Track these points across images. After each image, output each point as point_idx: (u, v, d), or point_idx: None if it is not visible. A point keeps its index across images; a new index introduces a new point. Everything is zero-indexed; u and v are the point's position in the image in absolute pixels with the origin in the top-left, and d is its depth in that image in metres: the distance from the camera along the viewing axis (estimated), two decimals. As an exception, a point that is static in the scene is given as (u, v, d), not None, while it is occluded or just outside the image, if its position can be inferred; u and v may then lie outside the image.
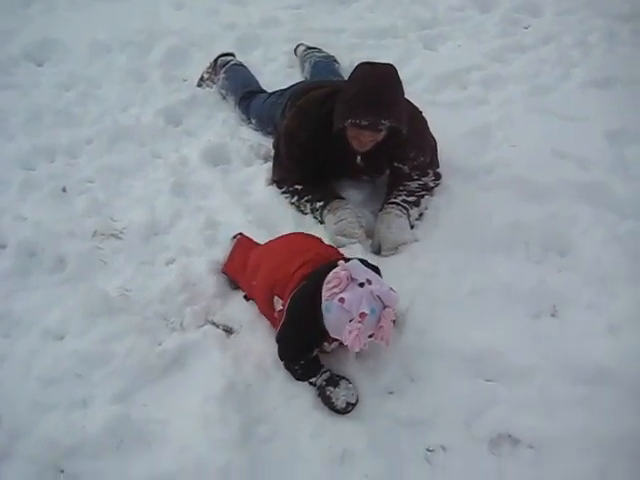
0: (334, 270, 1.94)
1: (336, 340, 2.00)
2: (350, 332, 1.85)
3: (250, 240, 2.43)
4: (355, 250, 2.45)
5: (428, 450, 1.92)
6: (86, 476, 1.82)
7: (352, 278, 1.91)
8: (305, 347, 2.06)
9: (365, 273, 1.94)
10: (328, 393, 2.01)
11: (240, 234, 2.45)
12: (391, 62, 2.52)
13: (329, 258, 2.10)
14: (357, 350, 1.90)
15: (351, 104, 2.41)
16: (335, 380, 2.04)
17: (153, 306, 2.30)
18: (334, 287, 1.90)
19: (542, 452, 1.91)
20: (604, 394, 2.02)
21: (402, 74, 2.55)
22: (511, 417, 1.98)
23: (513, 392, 2.04)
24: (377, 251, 2.53)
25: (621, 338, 2.20)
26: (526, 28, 4.14)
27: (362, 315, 1.84)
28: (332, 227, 2.55)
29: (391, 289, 1.92)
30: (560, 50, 3.80)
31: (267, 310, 2.20)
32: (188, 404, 1.98)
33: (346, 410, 1.99)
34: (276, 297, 2.13)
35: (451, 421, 1.98)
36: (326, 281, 1.94)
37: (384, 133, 2.47)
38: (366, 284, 1.89)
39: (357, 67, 2.48)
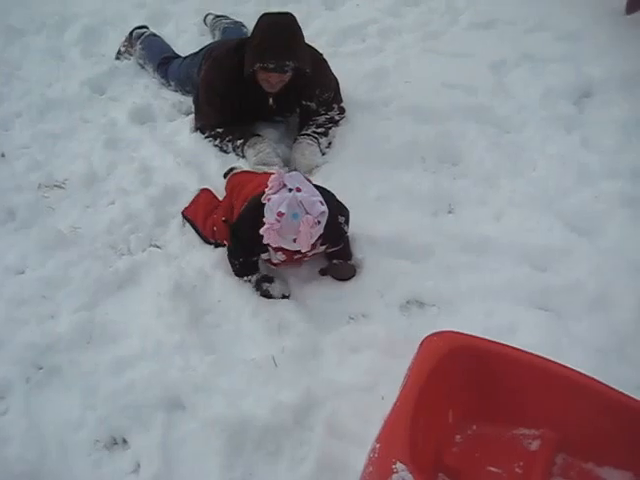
0: (271, 176, 2.32)
1: (279, 250, 2.39)
2: (265, 227, 2.24)
3: (212, 193, 2.87)
4: (275, 176, 2.96)
5: (350, 317, 2.45)
6: (64, 367, 2.26)
7: (284, 184, 2.28)
8: (248, 246, 2.45)
9: (299, 182, 2.29)
10: (265, 287, 2.47)
11: (205, 189, 2.89)
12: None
13: None
14: (273, 245, 2.31)
15: (258, 50, 2.92)
16: (269, 277, 2.50)
17: (102, 238, 2.74)
18: (269, 190, 2.28)
19: (442, 308, 2.46)
20: (491, 258, 2.60)
21: (306, 32, 3.09)
22: (416, 285, 2.53)
23: (417, 266, 2.59)
24: (295, 175, 3.05)
25: (504, 222, 2.78)
26: (417, -15, 4.73)
27: (279, 214, 2.21)
28: (252, 159, 3.05)
29: (321, 202, 2.27)
30: (448, 1, 4.41)
31: None
32: (143, 305, 2.46)
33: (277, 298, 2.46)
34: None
35: (368, 294, 2.51)
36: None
37: (290, 74, 2.99)
38: (294, 191, 2.24)
39: (260, 17, 2.99)
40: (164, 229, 2.80)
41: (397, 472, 1.54)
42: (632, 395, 1.82)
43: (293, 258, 2.45)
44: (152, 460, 1.99)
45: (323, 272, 2.60)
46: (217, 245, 2.67)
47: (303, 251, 2.34)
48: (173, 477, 1.96)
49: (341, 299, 2.50)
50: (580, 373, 1.86)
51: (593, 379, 1.85)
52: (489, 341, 1.88)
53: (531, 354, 1.88)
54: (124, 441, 2.07)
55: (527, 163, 3.04)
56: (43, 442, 2.04)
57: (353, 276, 2.57)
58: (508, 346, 1.88)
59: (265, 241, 2.30)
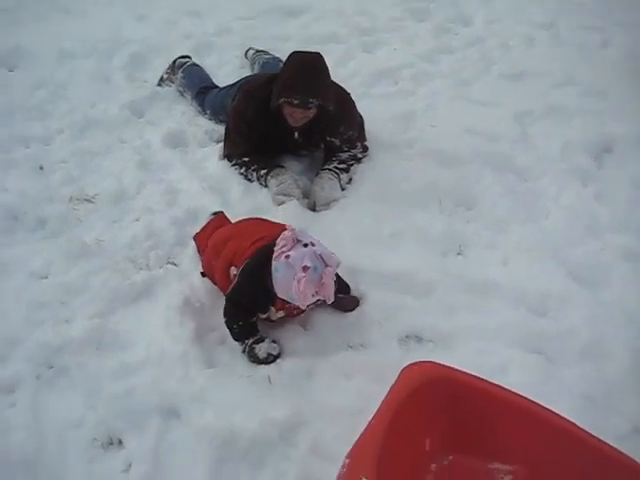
0: (282, 234, 2.36)
1: (281, 309, 2.48)
2: (298, 282, 2.24)
3: (225, 219, 2.97)
4: (294, 206, 3.12)
5: (349, 346, 2.57)
6: (73, 368, 2.42)
7: (297, 240, 2.33)
8: (250, 308, 2.48)
9: (309, 237, 2.35)
10: (253, 347, 2.45)
11: (220, 213, 3.01)
12: (332, 63, 3.23)
13: None
14: (305, 305, 2.36)
15: (284, 85, 3.11)
16: (262, 338, 2.48)
17: (123, 252, 2.93)
18: (282, 247, 2.32)
19: (439, 344, 2.57)
20: (491, 300, 2.70)
21: (341, 73, 3.31)
22: (415, 321, 2.64)
23: (419, 302, 2.70)
24: (312, 207, 3.21)
25: (510, 266, 2.89)
26: (456, 35, 4.92)
27: (305, 268, 2.24)
28: (274, 189, 3.22)
29: (333, 253, 2.34)
30: (483, 51, 4.59)
31: (224, 282, 2.60)
32: (153, 317, 2.61)
33: (267, 360, 2.43)
34: (233, 267, 2.56)
35: (369, 325, 2.62)
36: (276, 244, 2.35)
37: (314, 111, 3.17)
38: (309, 245, 2.30)
39: (290, 55, 3.19)
40: (182, 248, 2.97)
41: (362, 487, 1.64)
42: (610, 443, 1.89)
43: (293, 313, 2.54)
44: (143, 461, 2.12)
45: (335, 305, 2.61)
46: (204, 275, 2.79)
47: (329, 302, 2.40)
48: (161, 479, 2.08)
49: (342, 328, 2.61)
50: (558, 415, 1.94)
51: (570, 422, 1.93)
52: (469, 375, 1.98)
53: (511, 392, 1.97)
54: (120, 442, 2.21)
55: (540, 211, 3.15)
56: (44, 435, 2.19)
57: (357, 307, 2.67)
58: (488, 382, 1.98)
59: (290, 297, 2.33)
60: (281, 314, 2.53)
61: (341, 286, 2.61)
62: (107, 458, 2.16)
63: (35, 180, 3.36)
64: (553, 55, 4.54)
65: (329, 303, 2.42)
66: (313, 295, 2.30)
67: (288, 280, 2.29)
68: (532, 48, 4.66)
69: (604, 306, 2.62)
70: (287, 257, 2.29)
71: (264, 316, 2.55)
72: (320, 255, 2.29)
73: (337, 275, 2.49)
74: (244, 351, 2.48)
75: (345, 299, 2.66)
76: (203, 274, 2.80)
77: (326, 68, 3.16)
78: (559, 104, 3.86)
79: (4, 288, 2.75)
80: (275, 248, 2.35)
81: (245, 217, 2.94)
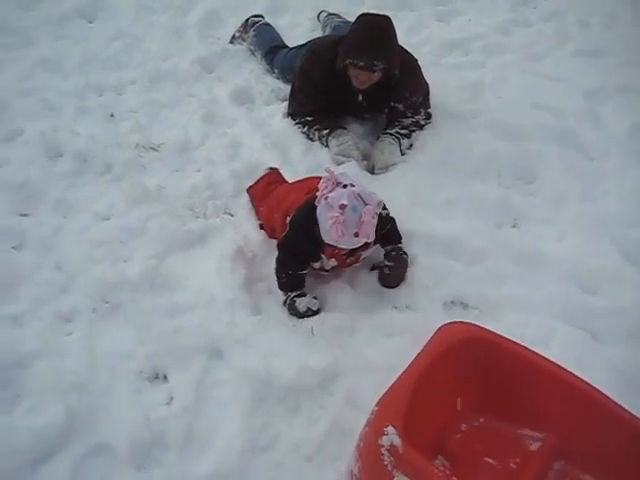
0: (323, 178, 2.40)
1: (332, 256, 2.48)
2: (330, 219, 2.28)
3: (280, 175, 3.05)
4: (352, 167, 3.16)
5: (394, 306, 2.61)
6: (126, 305, 2.54)
7: (337, 182, 2.36)
8: (301, 257, 2.51)
9: (349, 179, 2.37)
10: (294, 300, 2.51)
11: (275, 169, 3.08)
12: (404, 30, 3.22)
13: None
14: (349, 246, 2.35)
15: (350, 47, 3.13)
16: (304, 293, 2.54)
17: (182, 199, 3.03)
18: (322, 190, 2.35)
19: (484, 311, 2.58)
20: (541, 273, 2.69)
21: (412, 41, 3.31)
22: (463, 287, 2.66)
23: (468, 269, 2.72)
24: (371, 170, 3.24)
25: (564, 242, 2.87)
26: (535, 8, 4.82)
27: (341, 206, 2.26)
28: (334, 149, 3.26)
29: (374, 193, 2.36)
30: (560, 26, 4.49)
31: (281, 231, 2.64)
32: (205, 263, 2.71)
33: (305, 314, 2.49)
34: (288, 217, 2.61)
35: (416, 288, 2.65)
36: (318, 189, 2.39)
37: (379, 74, 3.17)
38: (349, 186, 2.33)
39: (358, 17, 3.20)
40: (240, 200, 3.05)
41: (387, 434, 1.70)
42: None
43: (345, 262, 2.54)
44: (185, 397, 2.22)
45: (373, 268, 2.69)
46: (262, 227, 2.87)
47: (369, 240, 2.38)
48: (199, 414, 2.18)
49: (388, 290, 2.65)
50: (593, 387, 1.94)
51: (605, 395, 1.93)
52: (506, 339, 1.99)
53: (546, 359, 1.98)
54: (164, 377, 2.32)
55: (600, 191, 3.10)
56: (96, 363, 2.32)
57: (399, 283, 2.64)
58: (525, 347, 1.99)
59: (331, 238, 2.34)
60: (333, 262, 2.53)
61: (392, 236, 2.66)
62: (152, 390, 2.27)
63: (105, 127, 3.48)
64: (634, 34, 4.40)
65: (368, 249, 2.45)
66: (355, 235, 2.31)
67: (328, 221, 2.32)
68: (612, 25, 4.53)
69: (656, 289, 2.58)
70: (326, 198, 2.33)
71: (317, 265, 2.58)
72: (359, 194, 2.30)
73: (388, 220, 2.58)
74: (285, 303, 2.55)
75: (390, 275, 2.64)
76: (261, 226, 2.87)
77: (394, 32, 3.16)
78: (632, 84, 3.76)
79: (69, 226, 2.89)
80: (317, 193, 2.39)
81: (307, 176, 3.00)
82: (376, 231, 2.41)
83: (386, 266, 2.63)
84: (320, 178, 2.76)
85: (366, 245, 2.43)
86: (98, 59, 4.07)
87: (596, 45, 4.21)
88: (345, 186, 2.34)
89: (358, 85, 3.24)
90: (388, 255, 2.65)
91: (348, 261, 2.54)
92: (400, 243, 2.69)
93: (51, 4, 4.57)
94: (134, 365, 2.33)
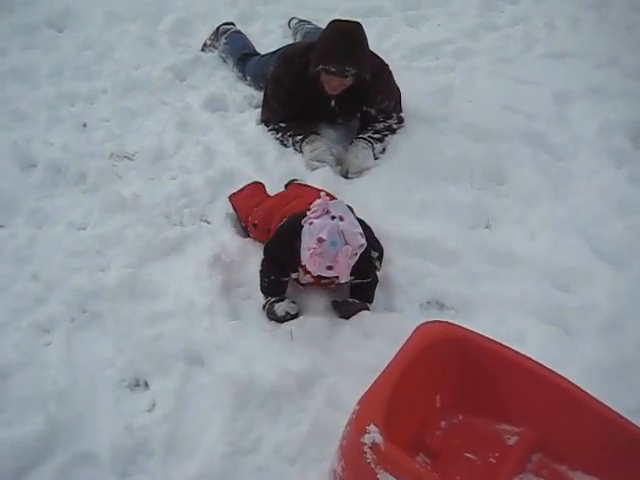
0: (316, 201, 2.40)
1: (308, 273, 2.46)
2: (308, 250, 2.30)
3: (262, 187, 3.06)
4: (326, 172, 3.20)
5: (372, 309, 2.64)
6: (105, 313, 2.55)
7: (327, 210, 2.34)
8: (280, 265, 2.55)
9: (342, 211, 2.34)
10: (273, 305, 2.54)
11: (260, 183, 3.08)
12: (375, 36, 3.28)
13: None
14: (313, 271, 2.38)
15: (321, 53, 3.17)
16: (283, 298, 2.56)
17: (159, 207, 3.04)
18: (312, 212, 2.35)
19: (460, 311, 2.63)
20: (515, 272, 2.75)
21: (383, 46, 3.37)
22: (439, 288, 2.71)
23: (443, 270, 2.77)
24: (345, 174, 3.29)
25: (536, 241, 2.93)
26: (502, 12, 4.92)
27: (319, 240, 2.26)
28: (308, 155, 3.30)
29: (360, 234, 2.33)
30: (527, 30, 4.59)
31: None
32: (183, 270, 2.73)
33: (284, 318, 2.51)
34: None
35: (393, 289, 2.70)
36: (310, 208, 2.40)
37: (350, 79, 3.21)
38: (337, 219, 2.30)
39: (330, 22, 3.25)
40: (215, 207, 3.07)
41: (369, 433, 1.73)
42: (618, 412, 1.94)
43: (320, 282, 2.54)
44: (166, 403, 2.24)
45: (334, 304, 2.64)
46: (249, 236, 2.89)
47: (342, 281, 2.44)
48: (182, 420, 2.20)
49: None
50: (567, 380, 2.00)
51: (579, 388, 1.98)
52: (483, 336, 2.04)
53: (522, 355, 2.03)
54: (145, 384, 2.33)
55: (570, 190, 3.17)
56: (76, 373, 2.32)
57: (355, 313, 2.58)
58: (501, 344, 2.04)
59: (308, 267, 2.38)
60: (309, 279, 2.55)
61: (365, 289, 2.63)
62: (133, 398, 2.28)
63: (78, 136, 3.49)
64: (599, 36, 4.51)
65: (342, 282, 2.46)
66: (329, 268, 2.33)
67: (305, 249, 2.34)
68: (578, 28, 4.64)
69: (627, 284, 2.64)
70: (310, 224, 2.34)
71: (295, 276, 2.60)
72: (342, 231, 2.28)
73: (372, 273, 2.57)
74: (264, 307, 2.58)
75: (350, 305, 2.61)
76: (246, 229, 2.90)
77: (365, 37, 3.21)
78: (600, 85, 3.85)
79: (45, 236, 2.89)
80: (308, 212, 2.40)
81: (285, 181, 3.11)
82: (355, 269, 2.43)
83: (347, 301, 2.62)
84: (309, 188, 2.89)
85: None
86: (69, 68, 4.09)
87: (563, 47, 4.31)
88: (333, 217, 2.32)
89: (330, 90, 3.28)
90: (354, 292, 2.64)
91: (322, 282, 2.55)
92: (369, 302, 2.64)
93: (20, 14, 4.59)
94: (114, 373, 2.34)
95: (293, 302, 2.58)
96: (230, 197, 3.04)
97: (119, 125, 3.60)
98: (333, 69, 3.12)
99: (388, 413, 1.77)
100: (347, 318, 2.56)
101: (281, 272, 2.58)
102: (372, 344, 2.46)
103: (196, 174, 3.23)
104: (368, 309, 2.59)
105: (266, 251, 2.62)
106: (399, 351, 1.96)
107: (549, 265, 2.76)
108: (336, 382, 2.29)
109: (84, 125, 3.59)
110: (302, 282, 2.61)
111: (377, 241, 2.62)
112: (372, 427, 1.73)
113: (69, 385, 2.27)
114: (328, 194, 2.55)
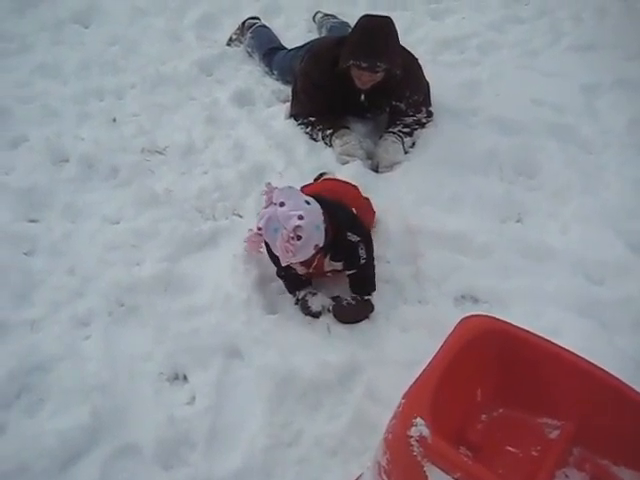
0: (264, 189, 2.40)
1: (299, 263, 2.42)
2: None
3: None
4: (357, 166, 3.20)
5: (405, 301, 2.66)
6: (142, 307, 2.57)
7: (271, 200, 2.34)
8: (277, 262, 2.47)
9: (284, 197, 2.31)
10: (306, 300, 2.55)
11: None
12: (399, 30, 3.26)
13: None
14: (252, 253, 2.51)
15: (352, 48, 3.17)
16: (313, 292, 2.58)
17: (191, 202, 3.06)
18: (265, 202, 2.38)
19: (494, 305, 2.63)
20: (548, 266, 2.75)
21: (407, 40, 3.34)
22: (472, 281, 2.71)
23: (476, 263, 2.78)
24: (375, 169, 3.29)
25: (568, 235, 2.93)
26: (527, 5, 4.89)
27: (258, 229, 2.35)
28: (338, 149, 3.31)
29: (299, 217, 2.26)
30: (553, 22, 4.56)
31: None
32: (218, 264, 2.74)
33: (320, 314, 2.53)
34: None
35: (426, 283, 2.71)
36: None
37: (381, 74, 3.22)
38: (277, 206, 2.30)
39: (360, 18, 3.24)
40: (248, 201, 3.08)
41: (416, 426, 1.74)
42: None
43: (309, 270, 2.49)
44: (206, 396, 2.26)
45: (334, 302, 2.60)
46: None
47: (282, 264, 2.39)
48: (222, 412, 2.22)
49: (400, 285, 2.70)
50: (608, 373, 1.99)
51: (620, 380, 1.98)
52: (523, 330, 2.04)
53: (563, 348, 2.02)
54: (184, 377, 2.35)
55: (601, 183, 3.17)
56: (116, 366, 2.35)
57: (357, 321, 2.55)
58: (542, 337, 2.04)
59: (247, 251, 2.50)
60: (302, 269, 2.48)
61: (359, 279, 2.59)
62: (173, 391, 2.31)
63: (109, 131, 3.51)
64: (626, 27, 4.47)
65: (283, 263, 2.40)
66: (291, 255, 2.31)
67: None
68: (604, 20, 4.60)
69: (662, 278, 2.64)
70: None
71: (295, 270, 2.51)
72: (277, 217, 2.28)
73: (356, 259, 2.50)
74: (297, 303, 2.59)
75: (345, 307, 2.56)
76: None
77: (395, 32, 3.21)
78: (629, 77, 3.83)
79: (80, 231, 2.91)
80: None
81: (314, 176, 3.11)
82: (335, 253, 2.46)
83: (342, 303, 2.58)
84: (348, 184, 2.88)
85: (318, 260, 2.44)
86: (96, 64, 4.09)
87: (590, 40, 4.28)
88: (275, 205, 2.31)
89: (360, 85, 3.28)
90: (352, 284, 2.62)
91: (310, 270, 2.50)
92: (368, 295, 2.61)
93: (45, 10, 4.59)
94: (153, 366, 2.37)
95: (324, 296, 2.59)
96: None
97: (149, 120, 3.61)
98: (364, 64, 3.13)
99: (433, 407, 1.78)
100: (345, 322, 2.54)
101: (283, 267, 2.49)
102: (408, 338, 2.48)
103: (227, 168, 3.25)
104: (372, 310, 2.56)
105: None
106: (443, 344, 1.96)
107: (583, 259, 2.76)
108: (375, 375, 2.31)
109: (114, 120, 3.60)
110: (300, 273, 2.53)
111: (359, 225, 2.55)
112: (419, 420, 1.73)
113: (110, 378, 2.29)
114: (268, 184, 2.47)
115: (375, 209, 2.90)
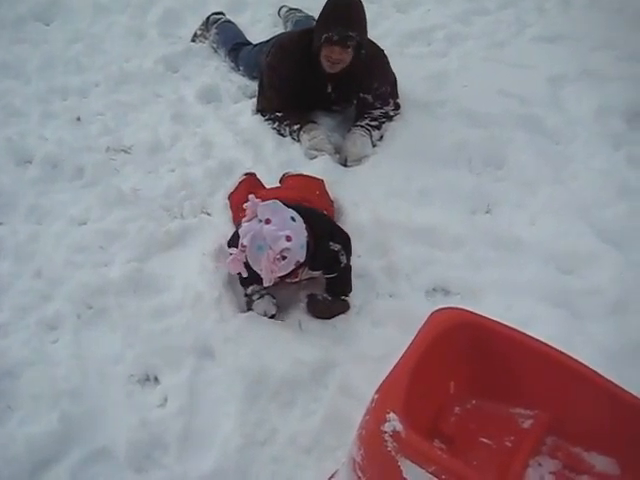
0: (246, 203, 2.32)
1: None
2: (230, 255, 2.28)
3: (257, 180, 3.04)
4: (325, 161, 3.20)
5: (378, 295, 2.65)
6: (111, 309, 2.54)
7: (256, 215, 2.27)
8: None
9: (270, 213, 2.25)
10: (252, 301, 2.53)
11: (252, 174, 3.07)
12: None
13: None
14: (233, 272, 2.36)
15: (324, 22, 3.17)
16: (262, 294, 2.52)
17: (159, 201, 3.03)
18: (246, 214, 2.32)
19: (466, 297, 2.65)
20: (519, 257, 2.77)
21: (374, 32, 3.34)
22: (443, 274, 2.72)
23: (447, 256, 2.78)
24: (344, 163, 3.29)
25: (538, 225, 2.95)
26: (491, -4, 4.91)
27: (242, 246, 2.25)
28: (306, 144, 3.30)
29: (287, 237, 2.23)
30: (518, 13, 4.57)
31: None
32: (188, 263, 2.72)
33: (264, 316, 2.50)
34: None
35: (398, 276, 2.71)
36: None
37: (351, 52, 3.20)
38: (263, 223, 2.24)
39: None
40: (216, 199, 3.06)
41: (389, 421, 1.74)
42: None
43: (285, 280, 2.44)
44: (178, 397, 2.24)
45: (308, 298, 2.58)
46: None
47: (265, 285, 2.35)
48: (195, 413, 2.20)
49: (371, 279, 2.70)
50: (579, 362, 2.01)
51: (591, 369, 2.00)
52: (495, 322, 2.04)
53: (534, 339, 2.04)
54: (156, 379, 2.33)
55: (570, 174, 3.19)
56: (85, 369, 2.32)
57: (331, 317, 2.54)
58: (513, 329, 2.04)
59: (231, 271, 2.37)
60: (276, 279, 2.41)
61: (337, 282, 2.57)
62: (144, 393, 2.29)
63: (73, 131, 3.47)
64: (590, 19, 4.49)
65: (266, 285, 2.35)
66: (260, 270, 2.28)
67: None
68: (569, 11, 4.61)
69: (632, 266, 2.67)
70: (240, 227, 2.32)
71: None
72: (264, 236, 2.22)
73: (337, 266, 2.49)
74: (245, 296, 2.56)
75: (321, 303, 2.55)
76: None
77: (363, 8, 3.23)
78: (594, 68, 3.86)
79: (46, 233, 2.87)
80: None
81: (283, 172, 3.09)
82: (316, 263, 2.44)
83: (317, 298, 2.57)
84: (312, 178, 2.88)
85: (295, 274, 2.41)
86: (59, 62, 4.04)
87: (556, 31, 4.30)
88: (260, 221, 2.26)
89: (329, 68, 3.26)
90: (328, 286, 2.60)
91: (286, 280, 2.46)
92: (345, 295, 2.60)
93: (5, 8, 4.51)
94: (124, 369, 2.34)
95: (273, 299, 2.55)
96: (229, 197, 3.00)
97: (114, 118, 3.57)
98: (336, 37, 3.11)
99: (406, 401, 1.78)
100: (320, 318, 2.53)
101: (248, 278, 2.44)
102: (381, 332, 2.48)
103: (194, 166, 3.22)
104: (348, 308, 2.56)
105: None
106: (414, 338, 1.96)
107: (553, 249, 2.78)
108: (348, 371, 2.31)
109: (78, 119, 3.56)
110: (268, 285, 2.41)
111: (340, 232, 2.55)
112: (392, 415, 1.73)
113: (80, 382, 2.27)
114: (263, 193, 2.49)
115: (344, 203, 2.90)
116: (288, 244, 2.23)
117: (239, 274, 2.37)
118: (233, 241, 2.47)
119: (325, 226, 2.51)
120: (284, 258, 2.25)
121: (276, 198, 2.41)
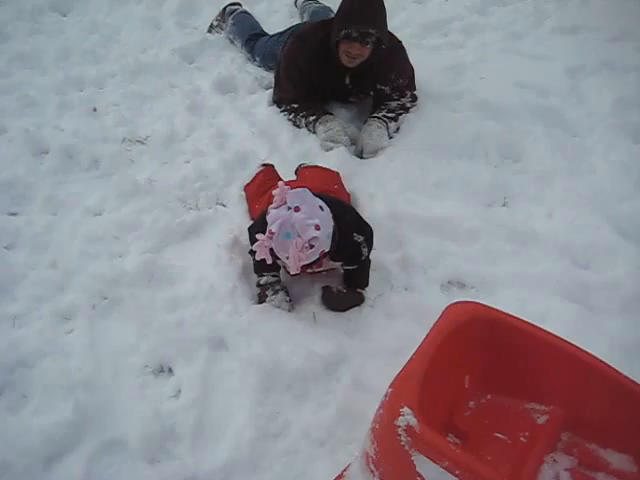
0: (275, 190, 2.30)
1: None
2: (257, 242, 2.25)
3: (274, 171, 3.03)
4: (341, 153, 3.17)
5: (392, 287, 2.63)
6: (126, 300, 2.53)
7: (285, 201, 2.24)
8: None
9: (300, 201, 2.23)
10: (266, 295, 2.50)
11: (269, 165, 3.06)
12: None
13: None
14: (262, 257, 2.26)
15: (343, 18, 3.14)
16: (276, 289, 2.50)
17: (174, 192, 3.01)
18: (274, 201, 2.29)
19: (481, 290, 2.62)
20: (535, 250, 2.74)
21: (391, 23, 3.30)
22: (459, 267, 2.69)
23: (463, 249, 2.76)
24: (360, 154, 3.26)
25: (555, 219, 2.91)
26: (509, -13, 4.85)
27: (270, 232, 2.21)
28: (322, 135, 3.27)
29: (316, 226, 2.21)
30: (536, 4, 4.53)
31: None
32: (202, 255, 2.70)
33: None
34: None
35: (413, 269, 2.68)
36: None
37: (370, 47, 3.17)
38: (292, 210, 2.21)
39: None
40: (231, 190, 3.04)
41: (403, 415, 1.72)
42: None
43: (306, 271, 2.39)
44: (192, 388, 2.23)
45: (323, 290, 2.57)
46: None
47: (291, 273, 2.35)
48: (208, 405, 2.19)
49: (386, 271, 2.67)
50: (595, 358, 1.98)
51: (608, 365, 1.97)
52: (510, 316, 2.02)
53: (550, 334, 2.01)
54: (170, 370, 2.31)
55: (587, 166, 3.15)
56: (99, 360, 2.31)
57: (346, 309, 2.53)
58: (529, 323, 2.02)
59: (257, 257, 2.30)
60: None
61: (356, 275, 2.56)
62: (158, 384, 2.27)
63: (89, 121, 3.45)
64: (609, 9, 4.46)
65: (292, 273, 2.34)
66: (287, 258, 2.26)
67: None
68: (587, 2, 4.57)
69: (650, 261, 2.63)
70: (268, 213, 2.29)
71: (282, 263, 2.44)
72: (293, 223, 2.20)
73: (359, 258, 2.47)
74: (257, 285, 2.54)
75: (337, 295, 2.54)
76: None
77: (383, 3, 3.19)
78: (613, 59, 3.82)
79: (61, 223, 2.86)
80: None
81: (298, 163, 3.08)
82: (338, 254, 2.41)
83: (333, 291, 2.55)
84: (328, 170, 2.85)
85: (319, 264, 2.38)
86: (76, 53, 4.04)
87: (574, 22, 4.26)
88: (289, 209, 2.23)
89: (347, 63, 3.24)
90: (347, 278, 2.59)
91: (308, 270, 2.41)
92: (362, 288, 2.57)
93: (22, -2, 4.50)
94: (138, 360, 2.33)
95: (287, 295, 2.52)
96: (245, 189, 2.99)
97: (129, 109, 3.56)
98: (355, 34, 3.08)
99: (421, 395, 1.76)
100: (337, 310, 2.52)
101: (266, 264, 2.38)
102: (395, 325, 2.46)
103: (210, 157, 3.21)
104: (362, 301, 2.54)
105: (249, 235, 2.56)
106: (429, 332, 1.94)
107: (569, 243, 2.75)
108: (362, 364, 2.29)
109: (94, 110, 3.55)
110: (290, 272, 2.40)
111: (364, 224, 2.52)
112: (406, 409, 1.72)
113: (94, 372, 2.26)
114: (288, 183, 2.43)
115: (359, 195, 2.89)
116: (317, 233, 2.21)
117: (256, 261, 2.36)
118: (258, 227, 2.41)
119: (350, 217, 2.49)
120: (311, 247, 2.23)
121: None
